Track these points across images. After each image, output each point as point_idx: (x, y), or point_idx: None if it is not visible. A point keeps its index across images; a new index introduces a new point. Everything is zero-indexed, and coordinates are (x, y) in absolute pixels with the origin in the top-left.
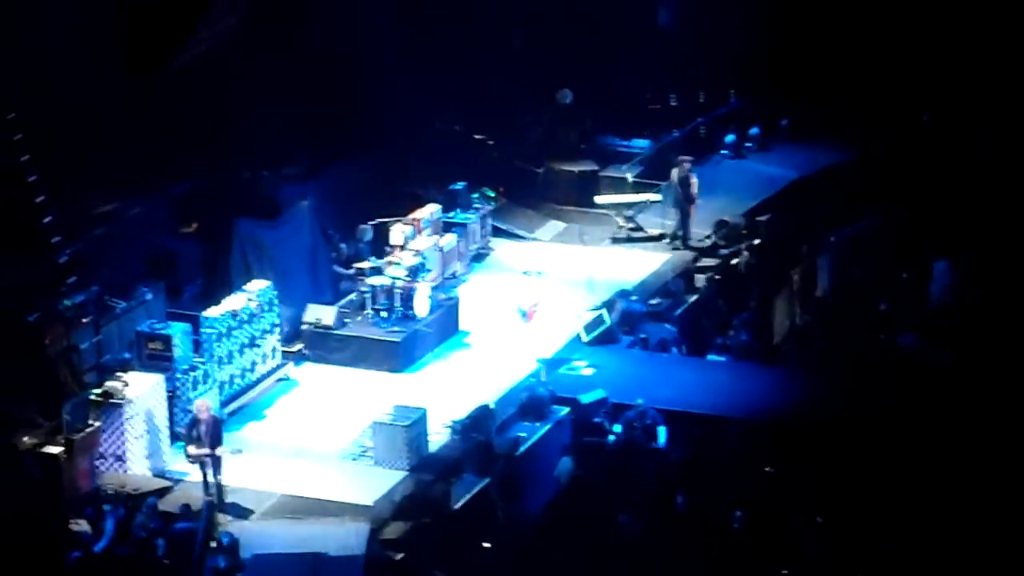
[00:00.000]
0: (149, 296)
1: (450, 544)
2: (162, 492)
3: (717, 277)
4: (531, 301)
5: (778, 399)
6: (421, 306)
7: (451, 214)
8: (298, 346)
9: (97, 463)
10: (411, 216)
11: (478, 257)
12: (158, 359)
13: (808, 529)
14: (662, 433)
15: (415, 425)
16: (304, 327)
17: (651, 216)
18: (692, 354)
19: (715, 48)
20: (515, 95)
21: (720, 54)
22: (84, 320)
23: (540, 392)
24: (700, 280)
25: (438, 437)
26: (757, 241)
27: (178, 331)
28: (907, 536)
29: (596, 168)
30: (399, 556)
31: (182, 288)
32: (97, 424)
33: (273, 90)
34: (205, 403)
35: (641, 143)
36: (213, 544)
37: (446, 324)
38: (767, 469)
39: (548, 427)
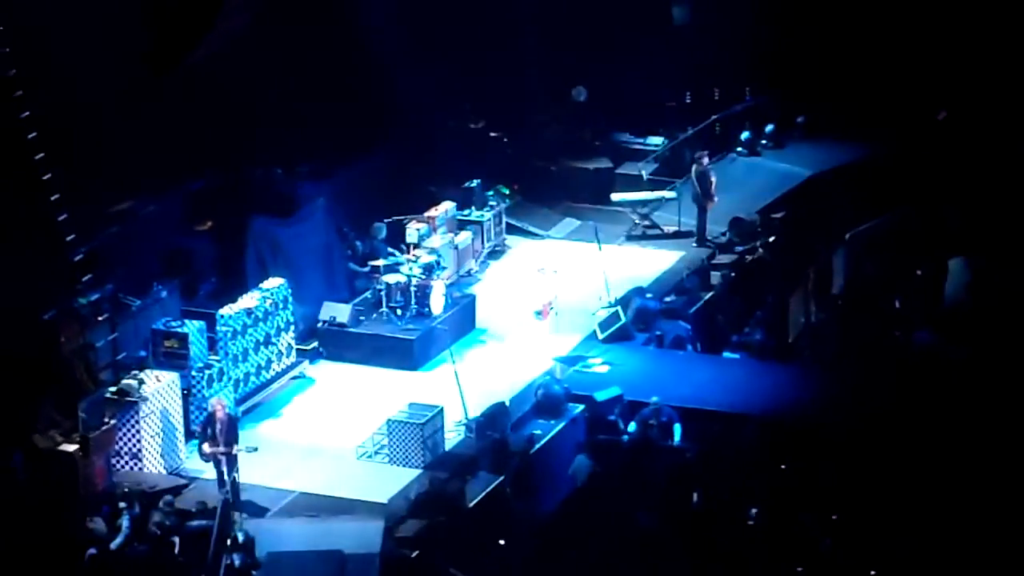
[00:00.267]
0: (164, 294)
1: (465, 541)
2: (177, 490)
3: (732, 274)
4: (544, 300)
5: (793, 396)
6: (436, 304)
7: (466, 212)
8: (313, 344)
9: (113, 461)
10: (426, 214)
11: (493, 254)
12: (173, 357)
13: (823, 526)
14: (677, 430)
15: (430, 423)
16: (319, 325)
17: (666, 213)
18: (707, 351)
19: (730, 45)
20: (530, 93)
21: (735, 51)
22: (100, 318)
23: (555, 390)
24: (715, 277)
25: (453, 435)
26: (772, 238)
27: (193, 329)
28: (922, 533)
29: (611, 165)
30: (414, 554)
31: (197, 286)
32: (113, 422)
33: (288, 88)
34: (220, 401)
35: (656, 140)
36: (228, 542)
37: (462, 321)
38: (782, 466)
39: (563, 425)
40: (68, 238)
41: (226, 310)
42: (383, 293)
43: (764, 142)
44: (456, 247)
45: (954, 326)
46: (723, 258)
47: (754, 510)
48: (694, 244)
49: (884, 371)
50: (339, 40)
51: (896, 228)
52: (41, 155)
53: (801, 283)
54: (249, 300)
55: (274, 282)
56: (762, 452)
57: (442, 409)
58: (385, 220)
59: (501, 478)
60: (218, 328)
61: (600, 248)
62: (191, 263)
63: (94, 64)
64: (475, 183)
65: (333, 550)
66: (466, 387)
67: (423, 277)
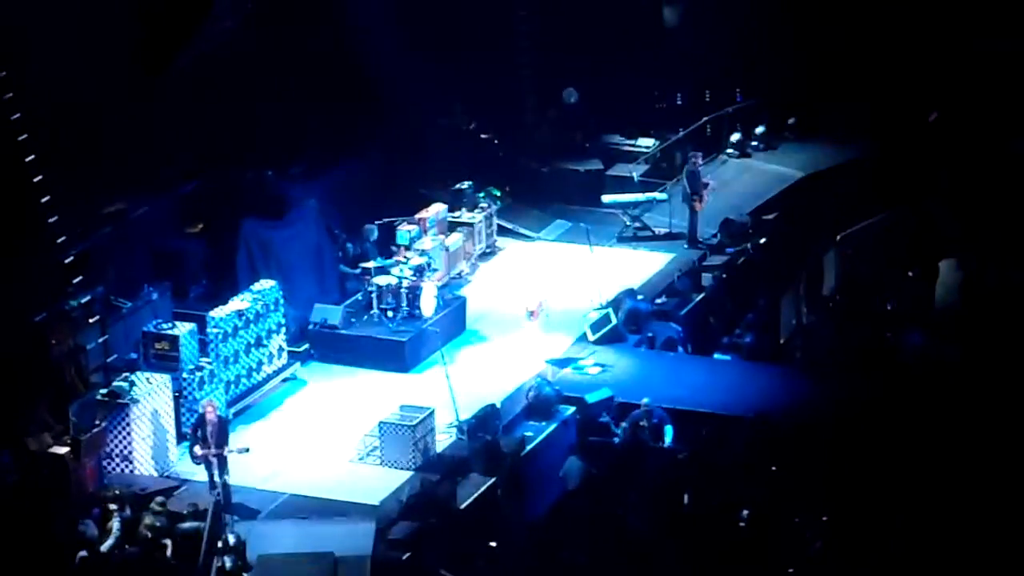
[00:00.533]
0: (155, 296)
1: (456, 543)
2: (169, 492)
3: (723, 276)
4: (535, 301)
5: (784, 398)
6: (427, 305)
7: (457, 213)
8: (304, 346)
9: (104, 463)
10: (417, 216)
11: (484, 256)
12: (164, 359)
13: (814, 528)
14: (669, 432)
15: (421, 425)
16: (310, 327)
17: (657, 215)
18: (698, 353)
19: (721, 47)
20: (521, 95)
21: (726, 53)
22: (90, 320)
23: (546, 391)
24: (706, 279)
25: (444, 437)
26: (763, 240)
27: (184, 331)
28: (913, 534)
29: (602, 167)
30: (405, 556)
31: (188, 288)
32: (104, 424)
33: (279, 90)
34: (211, 403)
35: (647, 142)
36: (219, 544)
37: (453, 323)
38: (773, 468)
39: (554, 426)
40: (59, 240)
41: (217, 312)
42: (374, 295)
43: (755, 143)
44: (447, 249)
45: (945, 327)
46: (714, 260)
47: (745, 512)
48: (685, 246)
49: (875, 372)
50: (330, 42)
51: (887, 230)
52: (32, 157)
53: (792, 284)
54: (240, 302)
55: (265, 284)
56: (753, 454)
57: (433, 411)
58: (376, 222)
59: (492, 480)
60: (209, 330)
61: (592, 250)
62: (182, 265)
63: (85, 65)
64: (466, 185)
65: (324, 552)
66: (457, 389)
67: (414, 279)
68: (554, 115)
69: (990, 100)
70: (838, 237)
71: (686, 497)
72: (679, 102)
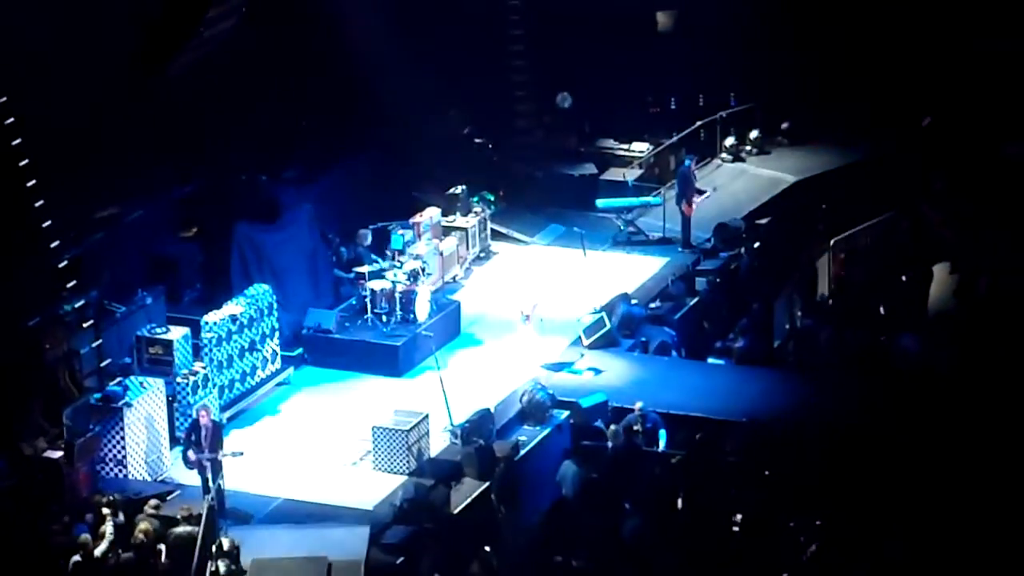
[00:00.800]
0: (149, 300)
1: (450, 548)
2: (162, 496)
3: (717, 280)
4: (530, 304)
5: (778, 402)
6: (421, 310)
7: (451, 218)
8: (298, 350)
9: (97, 468)
10: (411, 220)
11: (478, 260)
12: (158, 363)
13: (808, 532)
14: (663, 436)
15: (415, 429)
16: (304, 331)
17: (651, 219)
18: (692, 357)
19: (715, 51)
20: (515, 99)
21: (720, 57)
22: (84, 325)
23: (540, 396)
24: (700, 283)
25: (438, 441)
26: (757, 244)
27: (178, 336)
28: (907, 539)
29: (596, 172)
30: (399, 560)
31: (182, 292)
32: (97, 429)
33: (272, 94)
34: (205, 408)
35: (641, 147)
36: (213, 549)
37: (447, 328)
38: (766, 472)
39: (548, 431)
40: (53, 244)
41: (211, 316)
42: (368, 299)
43: (749, 148)
44: (441, 253)
45: (939, 331)
46: (708, 264)
47: (739, 515)
48: (679, 248)
49: (869, 377)
50: (324, 46)
51: (881, 234)
52: (26, 161)
53: (786, 289)
54: (234, 306)
55: (259, 288)
56: (747, 458)
57: (427, 415)
58: (370, 226)
59: (486, 485)
60: (203, 334)
61: (585, 254)
62: (176, 269)
63: (79, 70)
64: (460, 189)
65: (318, 556)
66: (451, 393)
67: (408, 283)
68: (548, 119)
69: (983, 104)
70: (832, 241)
71: (680, 501)
72: (673, 106)
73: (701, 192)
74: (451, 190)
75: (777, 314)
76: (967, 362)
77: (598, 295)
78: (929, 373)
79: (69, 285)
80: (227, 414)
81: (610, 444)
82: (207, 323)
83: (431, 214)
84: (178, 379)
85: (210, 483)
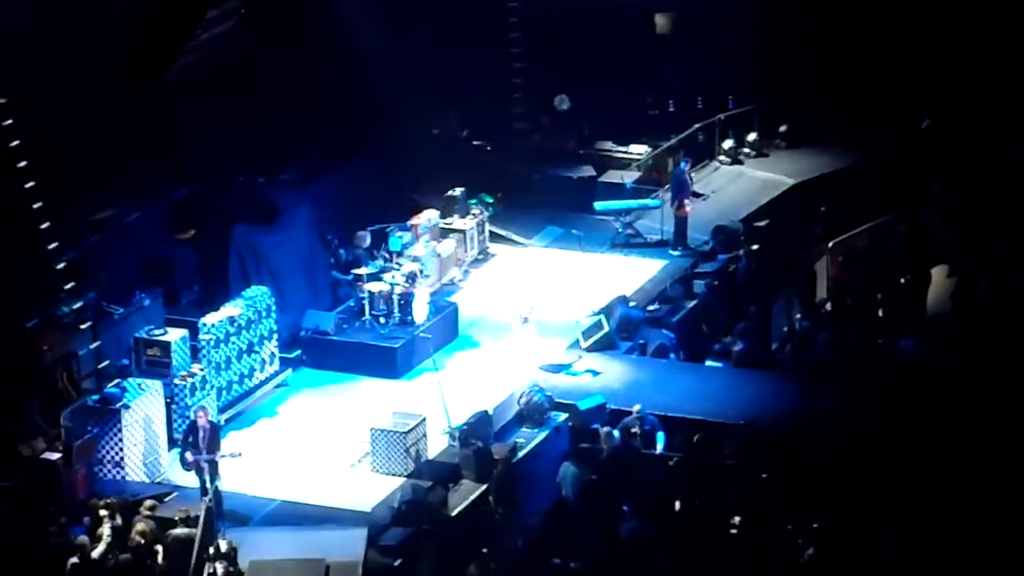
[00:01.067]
0: (147, 302)
1: (448, 550)
2: (160, 498)
3: (716, 283)
4: (528, 306)
5: (776, 405)
6: (420, 312)
7: (449, 220)
8: (296, 352)
9: (95, 469)
10: (409, 222)
11: (476, 262)
12: (156, 365)
13: (805, 535)
14: (660, 439)
15: (414, 431)
16: (302, 333)
17: (649, 222)
18: (690, 360)
19: (713, 53)
20: (513, 101)
21: (718, 60)
22: (82, 326)
23: (538, 398)
24: (698, 286)
25: (436, 443)
26: (755, 247)
27: (176, 337)
28: (904, 540)
29: (594, 174)
30: (397, 562)
31: (180, 294)
32: (95, 431)
33: (271, 96)
34: (203, 409)
35: (639, 149)
36: (211, 550)
37: (445, 330)
38: (764, 475)
39: (546, 433)
40: (51, 246)
41: (209, 318)
42: (366, 301)
43: (747, 150)
44: (439, 255)
45: (937, 334)
46: (706, 266)
47: (737, 518)
48: (669, 250)
49: (867, 379)
50: (322, 48)
51: (879, 236)
52: (24, 163)
53: (784, 291)
54: (232, 308)
55: (257, 290)
56: (745, 460)
57: (425, 418)
58: (368, 228)
59: (484, 487)
60: (201, 336)
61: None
62: (174, 271)
63: (77, 72)
64: (458, 191)
65: (316, 558)
66: (449, 396)
67: (406, 285)
68: (546, 122)
69: (982, 105)
70: (830, 244)
71: (678, 503)
72: (671, 109)
73: (698, 195)
74: (449, 192)
75: (775, 316)
76: (965, 365)
77: (596, 297)
78: (927, 376)
79: (67, 287)
80: (225, 416)
81: (603, 446)
82: (205, 325)
83: (429, 216)
84: (176, 381)
85: (208, 485)
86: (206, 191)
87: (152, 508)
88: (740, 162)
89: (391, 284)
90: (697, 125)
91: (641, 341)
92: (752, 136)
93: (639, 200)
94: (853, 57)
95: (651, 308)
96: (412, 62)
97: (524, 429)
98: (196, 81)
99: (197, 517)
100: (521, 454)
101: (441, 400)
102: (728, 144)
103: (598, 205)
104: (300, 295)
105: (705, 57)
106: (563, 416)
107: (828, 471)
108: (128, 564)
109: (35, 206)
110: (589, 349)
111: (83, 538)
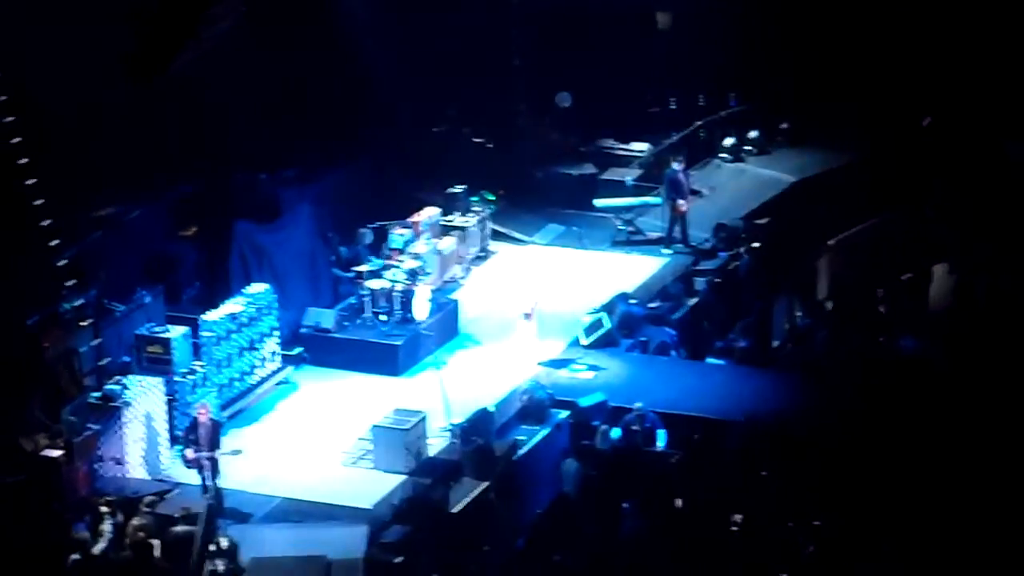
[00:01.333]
0: (148, 299)
1: (449, 547)
2: (161, 495)
3: (717, 280)
4: (530, 302)
5: (777, 402)
6: (420, 309)
7: (451, 217)
8: (297, 349)
9: (96, 466)
10: (410, 219)
11: (477, 260)
12: (157, 362)
13: (806, 532)
14: (661, 436)
15: (415, 428)
16: (303, 330)
17: (650, 219)
18: (691, 357)
19: (714, 51)
20: (514, 98)
21: (719, 57)
22: (83, 323)
23: (539, 395)
24: (699, 283)
25: (438, 440)
26: (756, 244)
27: (177, 334)
28: (905, 538)
29: (595, 171)
30: (398, 559)
31: (181, 291)
32: (96, 428)
33: (272, 93)
34: (204, 406)
35: (641, 146)
36: (212, 548)
37: (446, 327)
38: (763, 472)
39: (547, 430)
40: (52, 243)
41: (210, 315)
42: (367, 299)
43: (749, 148)
44: (440, 253)
45: (939, 332)
46: (707, 264)
47: (738, 516)
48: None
49: (868, 377)
50: (323, 45)
51: (881, 234)
52: (25, 160)
53: (785, 289)
54: (233, 305)
55: (259, 287)
56: (745, 458)
57: (426, 415)
58: (370, 226)
59: (485, 484)
60: (202, 333)
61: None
62: (175, 268)
63: (78, 70)
64: (460, 189)
65: (317, 555)
66: (450, 393)
67: (407, 283)
68: (548, 119)
69: (984, 103)
70: (831, 242)
71: (678, 501)
72: (673, 106)
73: (696, 192)
74: (450, 190)
75: (776, 314)
76: (966, 362)
77: (597, 295)
78: (928, 373)
79: (68, 284)
80: (226, 413)
81: (598, 444)
82: (206, 322)
83: (430, 213)
84: (177, 378)
85: (209, 482)
86: (208, 188)
87: (152, 505)
88: (742, 160)
89: (392, 281)
90: (699, 122)
91: (642, 338)
92: (754, 134)
93: (640, 197)
94: (855, 54)
95: (652, 305)
96: (414, 59)
97: (525, 426)
98: (197, 78)
99: (198, 514)
100: (522, 451)
101: (442, 397)
102: (729, 141)
103: (599, 202)
104: (301, 292)
105: (707, 54)
106: (564, 413)
107: (828, 469)
108: (129, 561)
109: (36, 203)
110: (590, 346)
111: (84, 535)
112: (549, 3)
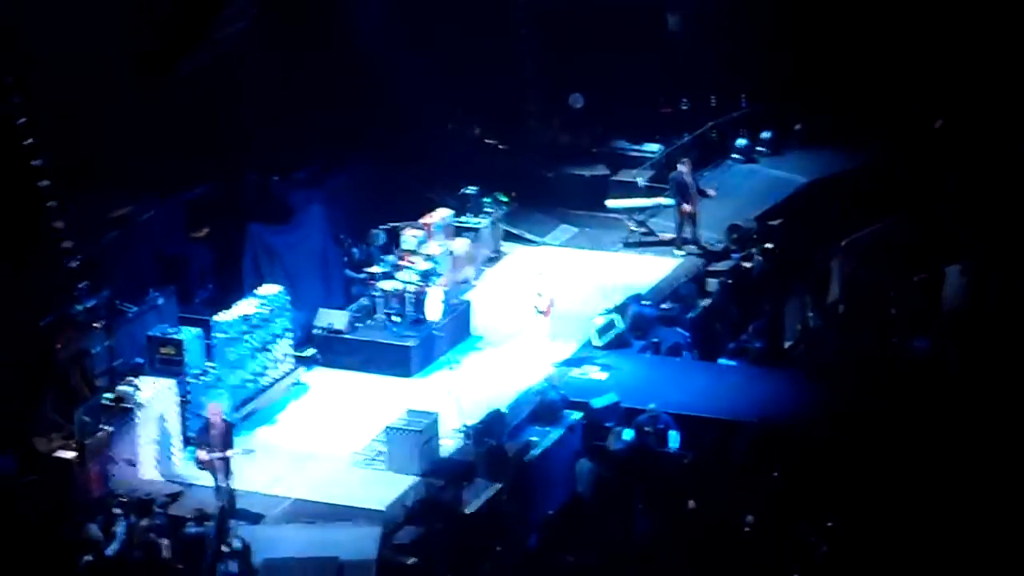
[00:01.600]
0: (161, 301)
1: (462, 548)
2: (174, 496)
3: (729, 281)
4: (545, 300)
5: (789, 403)
6: (433, 310)
7: (463, 218)
8: (310, 351)
9: (109, 467)
10: (422, 220)
11: (489, 261)
12: (170, 364)
13: (819, 533)
14: (674, 437)
15: (428, 430)
16: (316, 331)
17: (662, 220)
18: (704, 358)
19: (727, 52)
20: (526, 100)
21: (732, 58)
22: (96, 324)
23: (552, 396)
24: (712, 284)
25: (450, 442)
26: (769, 245)
27: (190, 336)
28: (917, 539)
29: (607, 172)
30: (411, 560)
31: (193, 293)
32: (109, 429)
33: (284, 94)
34: (217, 407)
35: (652, 147)
36: (225, 549)
37: (458, 328)
38: (776, 473)
39: (560, 432)
40: (65, 244)
41: (222, 317)
42: (379, 300)
43: (761, 149)
44: (452, 254)
45: (951, 333)
46: (720, 265)
47: (750, 517)
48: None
49: (881, 378)
50: (335, 47)
51: (893, 235)
52: (38, 162)
53: (798, 290)
54: (246, 307)
55: (271, 289)
56: (758, 459)
57: (439, 416)
58: (382, 227)
59: (498, 485)
60: (214, 335)
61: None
62: (187, 270)
63: (91, 71)
64: (472, 190)
65: (329, 557)
66: (463, 394)
67: (420, 284)
68: (560, 120)
69: (997, 104)
70: (844, 242)
71: (691, 502)
72: (685, 107)
73: (704, 193)
74: (463, 191)
75: (788, 315)
76: (979, 364)
77: (610, 296)
78: (941, 374)
79: (81, 285)
80: (239, 414)
81: (611, 446)
82: (219, 323)
83: (443, 215)
84: (189, 379)
85: (221, 483)
86: (220, 190)
87: (165, 506)
88: (754, 161)
89: (404, 283)
90: (711, 123)
91: (655, 339)
92: (766, 135)
93: (652, 198)
94: (868, 56)
95: (665, 306)
96: (425, 60)
97: (538, 427)
98: (210, 80)
99: (211, 515)
100: (535, 452)
101: (455, 398)
102: (742, 143)
103: (611, 203)
104: (313, 294)
105: (719, 55)
106: (577, 414)
107: (841, 470)
108: (141, 562)
109: (50, 204)
110: (603, 347)
111: (97, 535)
112: (561, 4)
